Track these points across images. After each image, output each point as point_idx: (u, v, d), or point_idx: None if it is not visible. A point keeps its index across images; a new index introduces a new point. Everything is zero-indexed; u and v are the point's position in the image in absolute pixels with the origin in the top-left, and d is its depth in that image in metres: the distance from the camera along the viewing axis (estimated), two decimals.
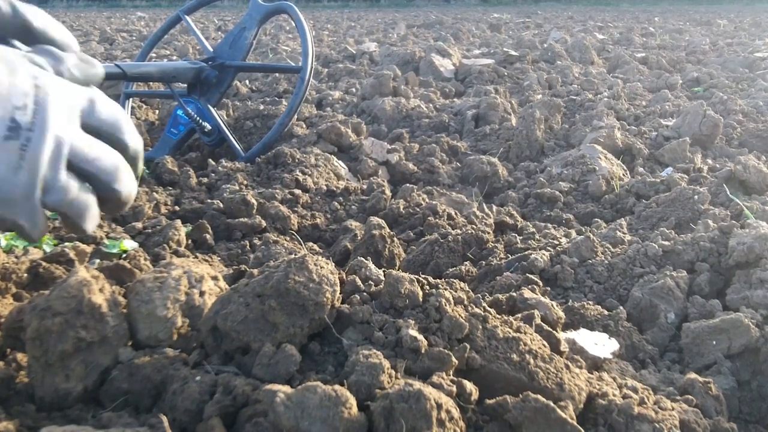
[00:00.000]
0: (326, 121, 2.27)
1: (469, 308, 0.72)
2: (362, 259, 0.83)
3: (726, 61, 4.34)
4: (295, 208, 1.55)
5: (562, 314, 0.91)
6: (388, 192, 1.69)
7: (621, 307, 1.06)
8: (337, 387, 0.55)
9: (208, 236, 1.39)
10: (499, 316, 0.73)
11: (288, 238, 1.43)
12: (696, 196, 1.48)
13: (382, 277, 0.78)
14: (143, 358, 0.61)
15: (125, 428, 0.53)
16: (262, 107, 2.42)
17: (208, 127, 1.98)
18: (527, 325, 0.74)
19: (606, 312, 1.04)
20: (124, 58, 4.80)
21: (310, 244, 1.43)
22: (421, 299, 0.71)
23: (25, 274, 0.95)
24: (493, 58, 4.23)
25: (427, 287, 0.73)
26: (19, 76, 0.52)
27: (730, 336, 0.93)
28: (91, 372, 0.60)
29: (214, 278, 0.74)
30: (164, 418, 0.54)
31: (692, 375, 0.84)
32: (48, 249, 1.12)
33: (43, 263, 0.99)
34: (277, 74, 3.56)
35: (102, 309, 0.62)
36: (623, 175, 1.87)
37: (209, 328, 0.65)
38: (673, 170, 1.91)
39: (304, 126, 2.30)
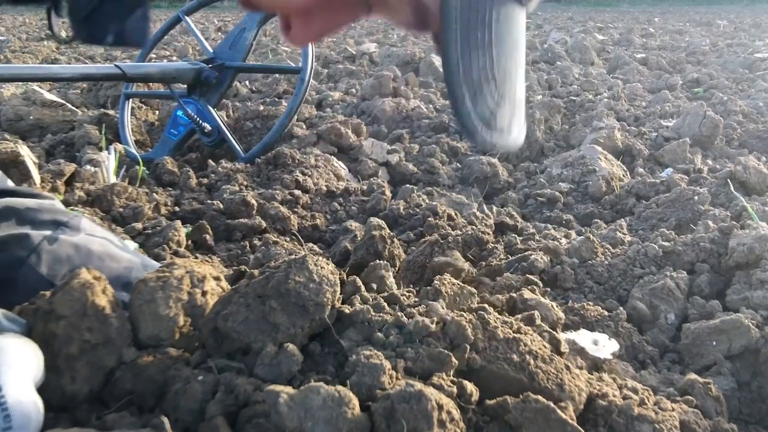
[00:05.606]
0: (326, 121, 2.27)
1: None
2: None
3: (726, 61, 4.34)
4: (295, 209, 1.55)
5: (562, 315, 0.91)
6: (388, 193, 1.70)
7: (621, 308, 1.06)
8: (339, 387, 0.55)
9: (208, 237, 1.39)
10: (500, 317, 0.73)
11: (288, 239, 1.43)
12: (696, 197, 1.49)
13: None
14: (147, 358, 0.62)
15: (128, 429, 0.53)
16: (262, 108, 2.43)
17: (208, 127, 1.98)
18: (527, 326, 0.74)
19: (606, 312, 1.05)
20: (124, 59, 4.80)
21: (310, 244, 1.43)
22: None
23: None
24: None
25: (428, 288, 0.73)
26: None
27: (730, 337, 0.93)
28: (96, 373, 0.60)
29: (216, 278, 0.74)
30: (165, 420, 0.54)
31: (692, 376, 0.85)
32: None
33: None
34: (277, 75, 3.56)
35: (106, 311, 0.62)
36: (623, 175, 1.87)
37: (210, 329, 0.65)
38: (673, 171, 1.92)
39: (304, 127, 2.30)
